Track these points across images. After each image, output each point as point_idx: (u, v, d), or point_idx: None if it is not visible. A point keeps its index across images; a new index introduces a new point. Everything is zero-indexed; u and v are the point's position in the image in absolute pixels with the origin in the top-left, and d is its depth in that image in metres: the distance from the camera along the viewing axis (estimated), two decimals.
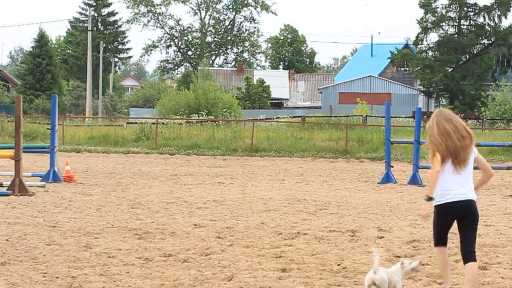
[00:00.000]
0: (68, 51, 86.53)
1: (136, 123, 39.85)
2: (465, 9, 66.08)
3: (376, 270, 7.03)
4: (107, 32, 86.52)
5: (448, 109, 7.45)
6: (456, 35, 66.54)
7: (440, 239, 7.19)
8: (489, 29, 65.99)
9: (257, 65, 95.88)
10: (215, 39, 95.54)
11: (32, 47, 72.87)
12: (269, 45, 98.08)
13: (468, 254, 7.06)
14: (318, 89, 74.63)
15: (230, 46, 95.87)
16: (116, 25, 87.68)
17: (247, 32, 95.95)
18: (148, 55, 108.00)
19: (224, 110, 46.64)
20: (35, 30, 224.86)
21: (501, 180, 21.79)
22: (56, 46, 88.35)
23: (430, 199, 7.06)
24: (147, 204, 14.36)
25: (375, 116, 46.93)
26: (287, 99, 77.73)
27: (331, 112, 58.32)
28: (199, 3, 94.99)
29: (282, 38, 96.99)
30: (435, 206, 7.11)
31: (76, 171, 20.79)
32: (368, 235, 10.88)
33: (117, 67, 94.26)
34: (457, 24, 66.75)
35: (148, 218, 12.44)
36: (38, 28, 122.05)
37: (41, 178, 18.36)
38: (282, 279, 7.94)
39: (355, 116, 44.26)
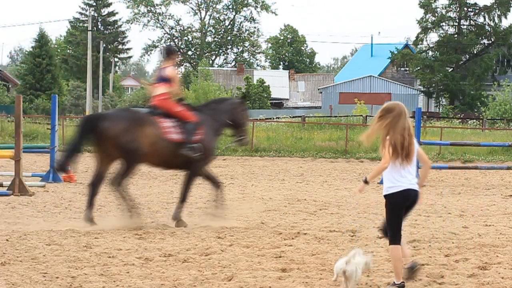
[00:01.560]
0: (68, 51, 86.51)
1: None
2: (465, 9, 66.14)
3: (349, 261, 7.44)
4: (107, 32, 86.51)
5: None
6: (456, 35, 66.59)
7: (399, 234, 7.66)
8: (489, 29, 66.05)
9: (257, 65, 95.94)
10: (215, 39, 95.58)
11: (32, 47, 72.84)
12: (269, 45, 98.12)
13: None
14: (318, 89, 74.65)
15: (230, 46, 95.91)
16: (116, 25, 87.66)
17: (247, 32, 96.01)
18: (148, 55, 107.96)
19: None
20: (35, 30, 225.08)
21: (501, 180, 21.80)
22: (56, 46, 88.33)
23: (366, 182, 7.63)
24: (147, 204, 14.37)
25: None
26: (287, 99, 77.75)
27: (331, 112, 58.34)
28: (199, 3, 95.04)
29: (282, 38, 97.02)
30: (389, 194, 7.57)
31: (76, 171, 20.78)
32: (368, 235, 10.88)
33: (117, 67, 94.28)
34: (457, 24, 66.82)
35: (148, 218, 12.45)
36: (38, 28, 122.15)
37: (41, 178, 18.37)
38: (282, 279, 7.94)
39: (355, 116, 44.28)
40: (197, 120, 11.80)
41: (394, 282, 7.66)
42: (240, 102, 12.63)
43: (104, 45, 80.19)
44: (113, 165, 11.86)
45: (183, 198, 12.01)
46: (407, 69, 70.85)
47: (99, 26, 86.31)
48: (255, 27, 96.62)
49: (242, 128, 12.49)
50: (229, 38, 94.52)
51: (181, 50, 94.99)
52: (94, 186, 11.80)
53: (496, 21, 65.81)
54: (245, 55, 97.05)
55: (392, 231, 7.65)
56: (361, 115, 43.85)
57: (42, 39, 71.81)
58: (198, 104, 13.01)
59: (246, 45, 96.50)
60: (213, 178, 12.25)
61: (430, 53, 67.88)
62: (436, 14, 66.16)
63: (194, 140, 11.63)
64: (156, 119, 11.61)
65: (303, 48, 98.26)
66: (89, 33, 63.10)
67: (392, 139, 7.49)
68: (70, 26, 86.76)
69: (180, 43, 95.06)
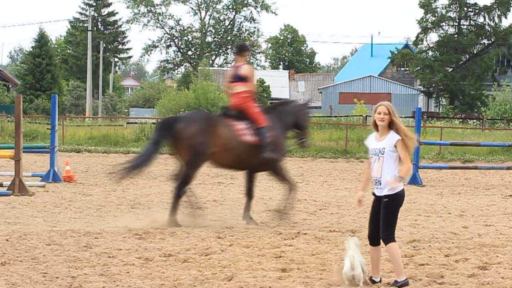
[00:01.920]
0: (68, 51, 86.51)
1: (136, 123, 39.86)
2: (465, 9, 66.09)
3: (354, 266, 7.63)
4: (107, 32, 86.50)
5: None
6: (456, 35, 66.55)
7: (394, 231, 7.88)
8: (489, 29, 66.00)
9: (257, 65, 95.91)
10: (215, 39, 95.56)
11: (32, 47, 72.79)
12: (269, 45, 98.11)
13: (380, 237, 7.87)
14: (318, 89, 74.64)
15: (230, 46, 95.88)
16: (116, 25, 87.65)
17: (247, 32, 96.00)
18: (148, 55, 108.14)
19: None
20: (35, 30, 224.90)
21: (501, 180, 21.80)
22: (56, 46, 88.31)
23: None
24: (147, 204, 14.37)
25: None
26: (287, 99, 77.73)
27: (331, 112, 58.30)
28: (199, 3, 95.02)
29: (282, 38, 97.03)
30: (396, 194, 7.75)
31: (76, 171, 20.80)
32: None
33: (117, 67, 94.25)
34: (457, 24, 66.77)
35: (148, 218, 12.44)
36: (38, 28, 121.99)
37: (41, 178, 18.36)
38: (282, 279, 7.95)
39: (355, 116, 44.27)
40: (268, 123, 12.16)
41: (396, 281, 7.65)
42: (304, 105, 13.12)
43: (104, 45, 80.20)
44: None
45: (289, 189, 12.35)
46: (407, 69, 70.81)
47: (99, 26, 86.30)
48: (255, 27, 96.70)
49: (305, 130, 12.85)
50: (229, 38, 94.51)
51: (181, 50, 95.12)
52: (180, 188, 11.95)
53: (496, 21, 65.76)
54: None
55: (390, 229, 7.75)
56: (361, 115, 43.83)
57: (42, 39, 71.79)
58: (267, 106, 13.66)
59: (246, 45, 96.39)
60: (287, 179, 12.44)
61: (430, 53, 67.83)
62: (436, 14, 66.10)
63: (268, 141, 12.01)
64: (230, 121, 12.01)
65: (303, 48, 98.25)
66: (89, 33, 63.10)
67: (413, 144, 7.75)
68: (70, 26, 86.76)
69: (180, 43, 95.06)
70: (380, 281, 7.86)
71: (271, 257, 9.09)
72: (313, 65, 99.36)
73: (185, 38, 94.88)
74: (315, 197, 16.04)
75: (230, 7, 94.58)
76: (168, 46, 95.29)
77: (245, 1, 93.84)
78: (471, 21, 66.88)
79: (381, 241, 7.81)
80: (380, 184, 7.83)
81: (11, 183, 15.53)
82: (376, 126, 7.86)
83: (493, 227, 11.97)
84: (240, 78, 12.14)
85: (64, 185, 17.71)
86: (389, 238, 7.72)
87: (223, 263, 8.70)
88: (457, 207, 14.75)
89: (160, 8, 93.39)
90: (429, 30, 66.68)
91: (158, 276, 8.00)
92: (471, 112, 59.21)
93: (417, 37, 67.53)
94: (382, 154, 7.76)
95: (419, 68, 66.06)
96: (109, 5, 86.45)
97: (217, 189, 17.53)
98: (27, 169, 21.11)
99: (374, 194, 7.99)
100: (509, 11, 65.91)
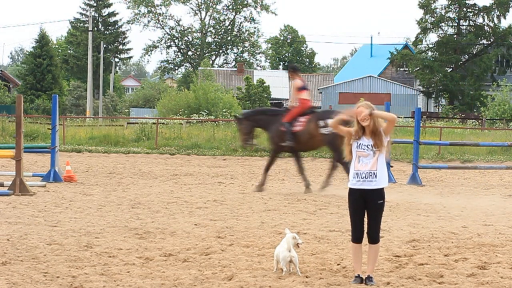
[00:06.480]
0: (69, 51, 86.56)
1: (136, 123, 39.89)
2: (464, 9, 66.11)
3: (290, 248, 8.07)
4: (107, 32, 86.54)
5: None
6: (455, 36, 66.57)
7: None
8: (488, 29, 66.02)
9: (257, 65, 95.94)
10: (215, 39, 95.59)
11: (33, 47, 72.84)
12: (269, 45, 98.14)
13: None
14: (318, 89, 74.67)
15: (230, 47, 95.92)
16: (116, 26, 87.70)
17: (247, 32, 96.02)
18: (149, 55, 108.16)
19: (224, 110, 46.69)
20: (36, 30, 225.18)
21: (500, 180, 21.82)
22: (56, 46, 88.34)
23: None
24: (147, 204, 14.39)
25: None
26: (287, 99, 77.72)
27: None
28: (199, 3, 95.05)
29: (282, 38, 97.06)
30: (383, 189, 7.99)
31: (77, 171, 20.83)
32: None
33: (117, 68, 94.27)
34: (456, 24, 66.80)
35: (148, 217, 12.48)
36: (39, 28, 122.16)
37: (42, 178, 18.39)
38: (282, 279, 7.98)
39: None
40: None
41: (370, 277, 7.82)
42: None
43: (104, 45, 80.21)
44: None
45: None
46: (407, 69, 70.83)
47: (100, 27, 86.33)
48: (255, 28, 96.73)
49: None
50: (229, 38, 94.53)
51: (181, 51, 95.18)
52: None
53: (495, 21, 65.77)
54: (245, 55, 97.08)
55: (380, 228, 8.05)
56: None
57: (42, 40, 71.83)
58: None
59: (246, 45, 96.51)
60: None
61: (430, 53, 67.84)
62: (436, 15, 66.12)
63: None
64: None
65: (303, 48, 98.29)
66: (90, 33, 63.09)
67: None
68: (71, 27, 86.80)
69: (180, 43, 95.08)
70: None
71: (271, 257, 9.12)
72: (313, 65, 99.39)
73: (185, 38, 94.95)
74: (315, 197, 16.07)
75: (230, 7, 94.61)
76: (169, 47, 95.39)
77: (245, 2, 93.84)
78: (470, 21, 66.90)
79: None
80: (376, 176, 7.85)
81: (12, 183, 15.56)
82: (358, 132, 7.85)
83: (492, 226, 12.00)
84: (306, 88, 17.30)
85: (64, 185, 17.74)
86: (379, 238, 7.96)
87: (223, 262, 8.73)
88: (457, 207, 14.77)
89: (161, 8, 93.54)
90: (429, 31, 66.71)
91: (158, 276, 8.03)
92: (471, 112, 59.24)
93: (416, 37, 67.56)
94: (377, 148, 7.86)
95: (418, 68, 66.08)
96: (109, 5, 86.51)
97: (217, 189, 17.55)
98: (28, 169, 21.14)
99: (354, 189, 8.09)
100: (508, 12, 65.92)
